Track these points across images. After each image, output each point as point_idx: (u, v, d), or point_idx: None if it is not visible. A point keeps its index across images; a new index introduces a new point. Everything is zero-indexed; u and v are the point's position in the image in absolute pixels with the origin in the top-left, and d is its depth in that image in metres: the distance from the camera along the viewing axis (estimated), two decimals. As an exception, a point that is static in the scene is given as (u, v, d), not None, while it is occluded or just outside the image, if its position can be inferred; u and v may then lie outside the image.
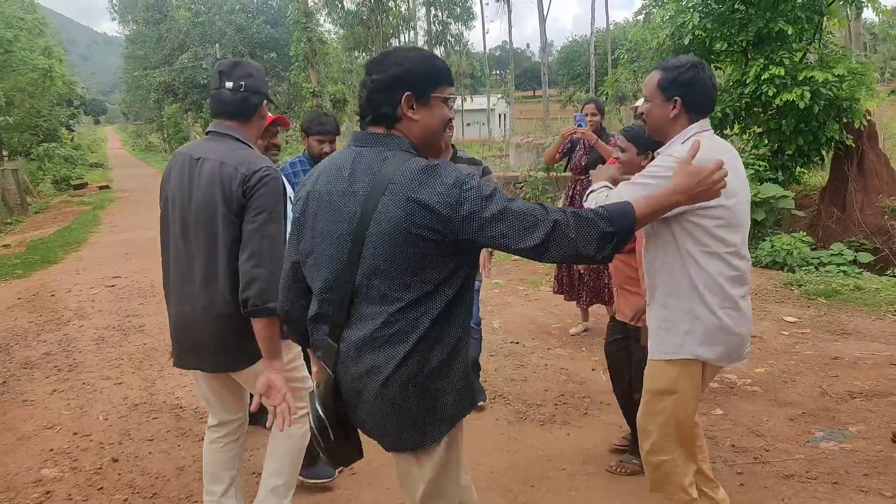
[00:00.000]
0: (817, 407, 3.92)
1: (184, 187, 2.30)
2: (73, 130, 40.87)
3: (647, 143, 2.84)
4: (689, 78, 2.21)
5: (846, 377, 4.34)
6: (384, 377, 1.63)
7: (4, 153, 23.82)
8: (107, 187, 23.47)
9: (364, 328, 1.65)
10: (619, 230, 1.64)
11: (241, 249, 2.19)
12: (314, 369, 1.92)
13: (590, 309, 5.49)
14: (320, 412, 1.72)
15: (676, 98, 2.22)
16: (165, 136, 45.56)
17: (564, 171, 5.60)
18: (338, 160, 1.74)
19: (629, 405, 3.16)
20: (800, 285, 6.48)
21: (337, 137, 3.59)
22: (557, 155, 5.29)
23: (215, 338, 2.30)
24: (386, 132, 1.70)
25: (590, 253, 1.62)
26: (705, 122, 2.28)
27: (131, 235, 11.84)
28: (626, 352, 3.22)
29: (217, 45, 32.79)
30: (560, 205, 5.49)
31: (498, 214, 1.58)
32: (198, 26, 35.07)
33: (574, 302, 5.43)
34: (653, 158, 2.80)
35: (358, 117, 1.78)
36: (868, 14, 10.54)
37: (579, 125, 4.81)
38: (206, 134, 2.39)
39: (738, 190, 2.20)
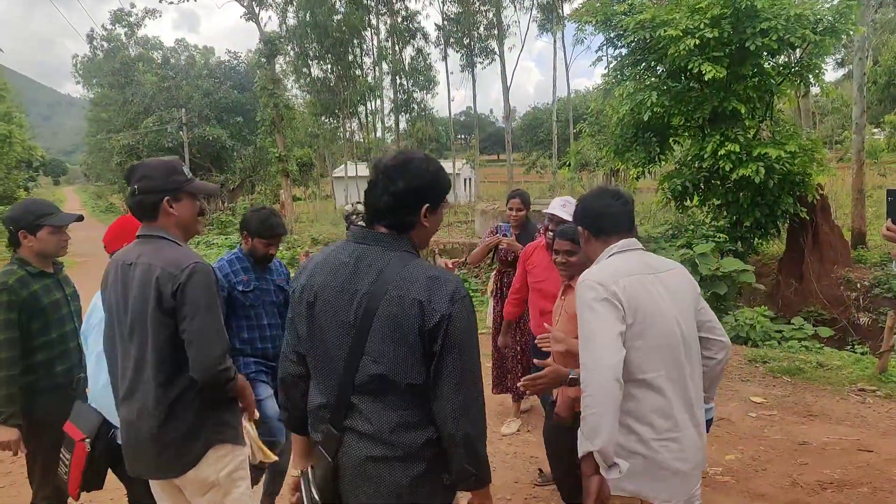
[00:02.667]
0: (790, 499, 3.86)
1: (119, 295, 2.27)
2: (29, 191, 40.13)
3: None
4: (585, 207, 2.38)
5: (816, 465, 4.31)
6: (390, 468, 1.71)
7: (-43, 216, 23.17)
8: (63, 252, 22.86)
9: (367, 421, 1.72)
10: None
11: (186, 346, 2.16)
12: (299, 453, 2.00)
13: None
14: (315, 496, 1.80)
15: (580, 227, 2.39)
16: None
17: (491, 264, 5.58)
18: (339, 256, 1.80)
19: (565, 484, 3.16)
20: (764, 362, 6.51)
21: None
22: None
23: (152, 443, 2.24)
24: (392, 233, 1.78)
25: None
26: (627, 243, 2.26)
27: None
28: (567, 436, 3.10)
29: (183, 109, 32.82)
30: (489, 292, 5.46)
31: (471, 346, 1.72)
32: (164, 91, 35.14)
33: (506, 395, 5.23)
34: None
35: (367, 214, 1.82)
36: (816, 88, 11.14)
37: (504, 235, 4.90)
38: (137, 236, 2.36)
39: (654, 311, 2.10)
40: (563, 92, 47.61)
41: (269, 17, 40.34)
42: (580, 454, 1.99)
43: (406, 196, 1.75)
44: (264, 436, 3.53)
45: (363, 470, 1.73)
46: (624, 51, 11.37)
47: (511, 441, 4.89)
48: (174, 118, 33.07)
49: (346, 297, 1.73)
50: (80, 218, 3.25)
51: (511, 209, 4.91)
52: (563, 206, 3.88)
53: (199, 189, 2.38)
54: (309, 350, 1.83)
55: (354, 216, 3.73)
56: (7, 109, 23.28)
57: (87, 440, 2.61)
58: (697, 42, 9.15)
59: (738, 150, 9.45)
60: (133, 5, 56.65)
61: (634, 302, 2.08)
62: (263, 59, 26.50)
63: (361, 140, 40.96)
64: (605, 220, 2.32)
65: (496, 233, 5.08)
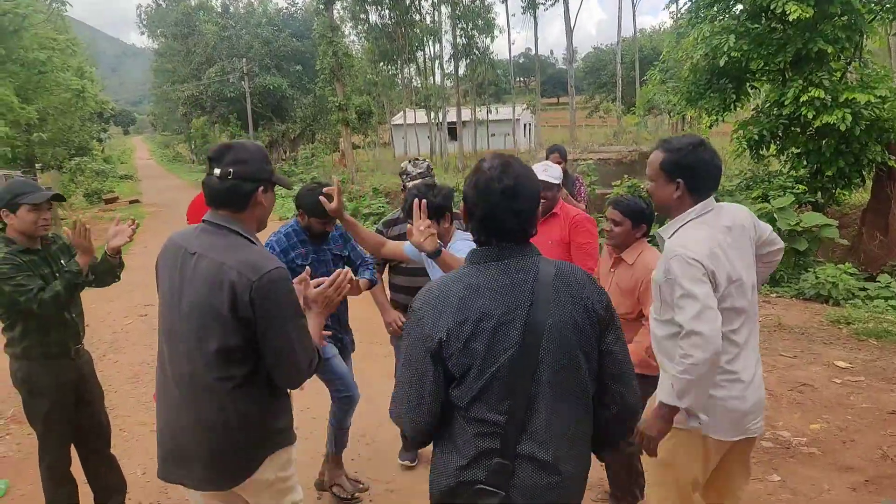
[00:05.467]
0: (880, 473, 3.73)
1: (174, 285, 2.06)
2: (102, 142, 41.66)
3: (641, 215, 2.99)
4: (691, 161, 2.23)
5: (908, 436, 4.14)
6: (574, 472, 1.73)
7: (38, 167, 24.29)
8: (137, 201, 23.76)
9: (541, 444, 1.67)
10: None
11: (272, 362, 1.99)
12: None
13: None
14: None
15: (679, 180, 2.24)
16: (193, 147, 46.21)
17: None
18: (482, 281, 1.73)
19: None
20: (848, 323, 6.25)
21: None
22: None
23: (205, 452, 2.05)
24: (521, 242, 1.80)
25: None
26: (707, 203, 2.26)
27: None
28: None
29: (244, 58, 33.07)
30: None
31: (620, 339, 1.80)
32: (225, 40, 35.43)
33: None
34: (646, 234, 3.01)
35: (494, 231, 1.77)
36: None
37: None
38: (203, 222, 2.11)
39: (733, 274, 2.20)
40: (627, 32, 45.63)
41: (326, -38, 39.85)
42: (661, 401, 2.20)
43: (533, 209, 1.80)
44: (339, 391, 3.60)
45: (542, 498, 1.67)
46: (700, -11, 10.73)
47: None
48: (235, 68, 33.41)
49: (513, 316, 1.67)
50: (59, 196, 3.24)
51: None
52: (544, 171, 3.78)
53: (279, 181, 2.18)
54: (481, 380, 1.68)
55: (404, 175, 3.74)
56: (79, 64, 23.90)
57: None
58: (782, -21, 8.53)
59: (822, 95, 8.89)
60: (192, -48, 56.79)
61: (722, 270, 2.17)
62: (321, 6, 26.26)
63: (420, 86, 40.54)
64: (711, 180, 2.26)
65: None
